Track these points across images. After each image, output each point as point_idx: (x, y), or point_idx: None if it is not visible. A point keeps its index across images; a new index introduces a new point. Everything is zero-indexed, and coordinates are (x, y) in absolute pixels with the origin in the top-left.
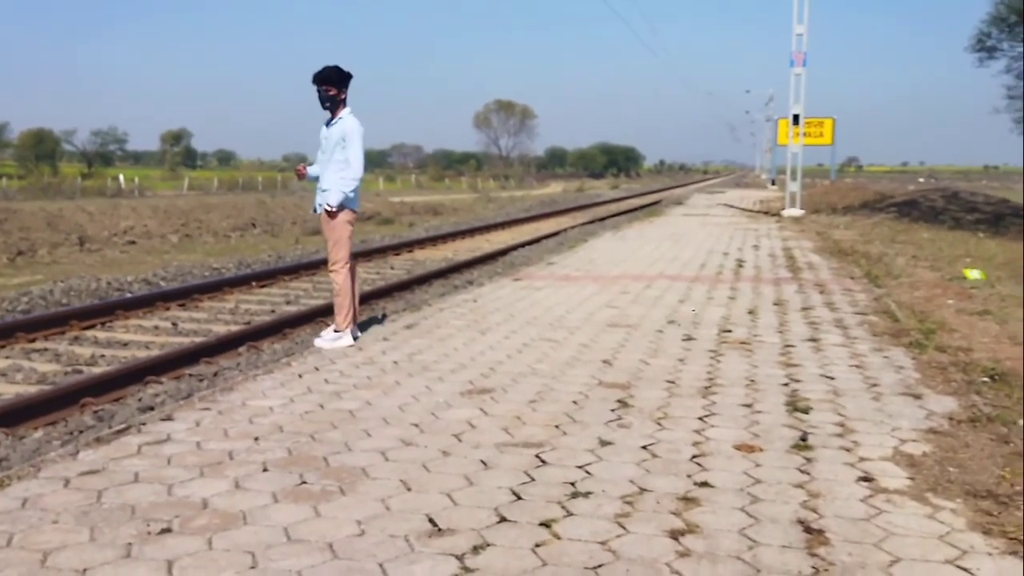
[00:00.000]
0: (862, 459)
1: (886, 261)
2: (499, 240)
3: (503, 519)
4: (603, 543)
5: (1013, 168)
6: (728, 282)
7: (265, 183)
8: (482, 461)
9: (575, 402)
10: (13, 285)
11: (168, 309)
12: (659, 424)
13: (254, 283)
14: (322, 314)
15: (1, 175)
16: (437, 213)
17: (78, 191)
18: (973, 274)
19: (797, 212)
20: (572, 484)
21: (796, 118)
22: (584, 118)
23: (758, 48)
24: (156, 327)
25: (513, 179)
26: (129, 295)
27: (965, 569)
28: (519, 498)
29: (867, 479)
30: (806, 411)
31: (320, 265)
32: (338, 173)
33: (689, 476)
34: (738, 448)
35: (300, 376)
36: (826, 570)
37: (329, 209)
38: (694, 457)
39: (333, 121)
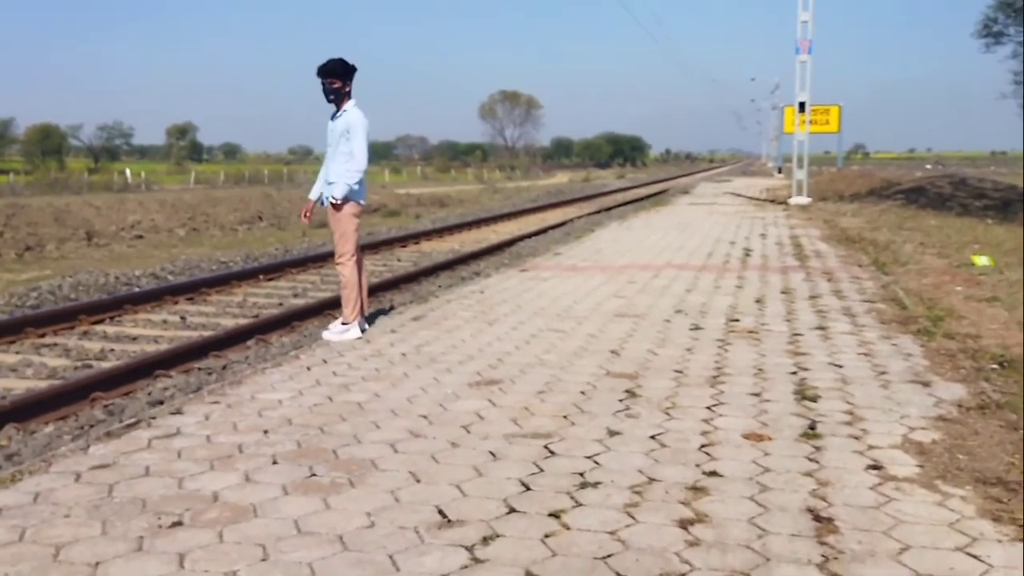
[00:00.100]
0: (871, 447)
1: (894, 248)
2: (505, 231)
3: (512, 510)
4: (612, 533)
5: (1020, 153)
6: (735, 271)
7: (271, 176)
8: (491, 452)
9: (583, 392)
10: (22, 280)
11: (176, 303)
12: (667, 414)
13: (262, 276)
14: (330, 307)
15: (8, 171)
16: (443, 205)
17: (85, 186)
18: (981, 260)
19: (804, 200)
20: (581, 474)
21: (802, 106)
22: (590, 108)
23: (763, 36)
24: (165, 321)
25: (519, 170)
26: (137, 289)
27: (975, 556)
28: (528, 489)
29: (876, 467)
30: (814, 399)
31: (327, 258)
32: (343, 166)
33: (698, 465)
34: (747, 437)
35: (308, 369)
36: (836, 558)
37: (334, 202)
38: (703, 446)
39: (338, 114)
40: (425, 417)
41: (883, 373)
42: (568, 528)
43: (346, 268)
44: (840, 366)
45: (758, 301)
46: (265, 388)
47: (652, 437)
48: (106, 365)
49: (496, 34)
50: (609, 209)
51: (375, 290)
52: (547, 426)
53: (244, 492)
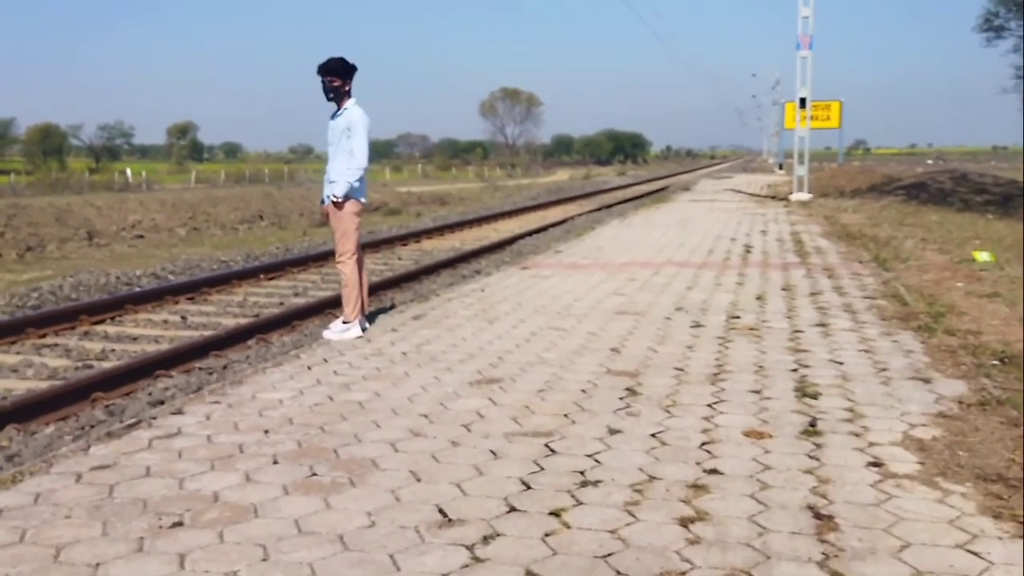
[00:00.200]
0: (871, 444)
1: (895, 244)
2: (506, 229)
3: (513, 509)
4: (613, 531)
5: (1021, 148)
6: (736, 268)
7: (272, 175)
8: (491, 451)
9: (584, 391)
10: (23, 281)
11: (177, 303)
12: (668, 412)
13: (262, 276)
14: (330, 306)
15: (9, 171)
16: (444, 203)
17: (86, 186)
18: (982, 256)
19: (805, 196)
20: (581, 473)
21: (803, 101)
22: (590, 105)
23: (765, 32)
24: (165, 321)
25: (519, 167)
26: (138, 289)
27: (975, 553)
28: (528, 487)
29: (877, 464)
30: (815, 397)
31: (328, 257)
32: (344, 164)
33: (698, 463)
34: (747, 435)
35: (309, 368)
36: (836, 556)
37: (336, 200)
38: (703, 444)
39: (338, 112)
40: (426, 416)
41: (884, 370)
42: (569, 527)
43: (347, 267)
44: (841, 363)
45: (759, 298)
46: (266, 387)
47: (653, 435)
48: (107, 365)
49: (497, 31)
50: (610, 206)
51: (376, 289)
52: (548, 424)
53: (245, 492)
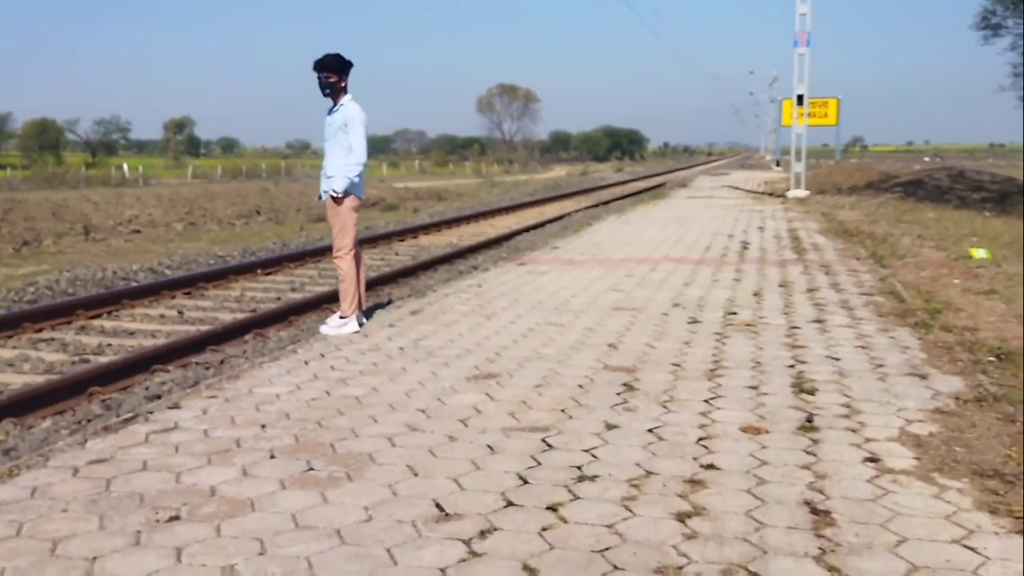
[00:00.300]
0: (868, 440)
1: (891, 241)
2: (503, 225)
3: (510, 503)
4: (610, 526)
5: (1019, 146)
6: (733, 264)
7: (269, 170)
8: (488, 446)
9: (581, 386)
10: (19, 275)
11: (174, 298)
12: (665, 407)
13: (259, 271)
14: (327, 301)
15: (5, 165)
16: (441, 198)
17: (82, 180)
18: (979, 253)
19: (802, 193)
20: (578, 468)
21: (800, 98)
22: (588, 101)
23: (762, 29)
24: (162, 316)
25: (517, 163)
26: (135, 284)
27: (971, 548)
28: (526, 482)
29: (873, 460)
30: (812, 392)
31: (325, 252)
32: (342, 159)
33: (695, 459)
34: (744, 430)
35: (306, 363)
36: (833, 551)
37: (335, 195)
38: (700, 440)
39: (335, 108)
40: (423, 411)
41: (880, 366)
42: (566, 521)
43: (344, 262)
44: (838, 359)
45: (756, 294)
46: (263, 382)
47: (650, 430)
48: (103, 360)
49: (494, 28)
50: (607, 203)
51: (373, 284)
52: (545, 420)
53: (242, 486)
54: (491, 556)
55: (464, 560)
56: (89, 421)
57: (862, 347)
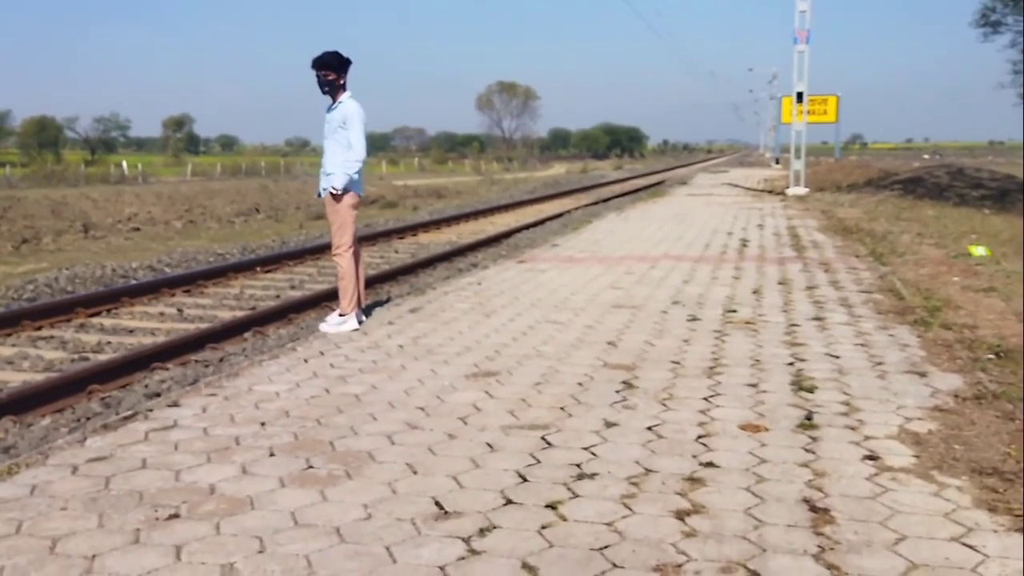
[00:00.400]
0: (867, 438)
1: (891, 239)
2: (503, 223)
3: (509, 501)
4: (609, 524)
5: (1018, 143)
6: (732, 262)
7: (268, 168)
8: (488, 444)
9: (580, 384)
10: (18, 273)
11: (173, 295)
12: (664, 405)
13: (259, 268)
14: (327, 299)
15: (4, 163)
16: (440, 196)
17: (81, 178)
18: (978, 251)
19: (801, 191)
20: (578, 466)
21: (800, 96)
22: (587, 99)
23: (762, 26)
24: (161, 313)
25: (516, 161)
26: (134, 282)
27: (970, 546)
28: (525, 480)
29: (872, 457)
30: (811, 390)
31: (324, 250)
32: (341, 156)
33: (695, 456)
34: (743, 428)
35: (305, 361)
36: (832, 548)
37: (334, 192)
38: (699, 437)
39: (334, 106)
40: (422, 409)
41: (880, 364)
42: (565, 519)
43: (343, 259)
44: (837, 357)
45: (755, 292)
46: (262, 380)
47: (649, 428)
48: (103, 358)
49: (494, 25)
50: (606, 200)
51: (372, 282)
52: (544, 418)
53: (241, 484)
54: (490, 554)
55: (463, 558)
56: (88, 419)
57: (861, 345)
